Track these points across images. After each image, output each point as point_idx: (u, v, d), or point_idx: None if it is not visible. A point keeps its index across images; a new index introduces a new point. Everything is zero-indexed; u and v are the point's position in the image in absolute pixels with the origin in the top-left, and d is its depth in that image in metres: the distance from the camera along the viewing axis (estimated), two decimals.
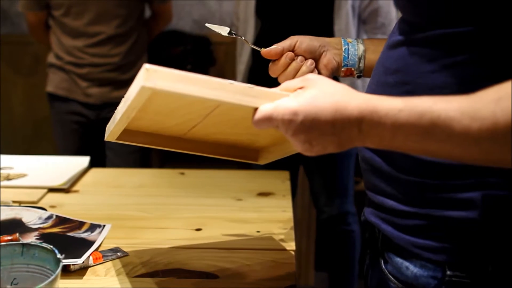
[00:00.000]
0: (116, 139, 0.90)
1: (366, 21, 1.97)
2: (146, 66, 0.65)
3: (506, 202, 0.71)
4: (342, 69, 0.99)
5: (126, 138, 0.90)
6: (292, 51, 0.96)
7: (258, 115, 0.69)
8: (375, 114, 0.63)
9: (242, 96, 0.69)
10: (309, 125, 0.65)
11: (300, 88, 0.69)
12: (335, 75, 1.01)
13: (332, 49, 0.98)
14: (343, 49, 0.98)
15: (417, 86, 0.73)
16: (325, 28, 1.89)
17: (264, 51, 0.96)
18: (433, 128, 0.61)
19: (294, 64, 0.95)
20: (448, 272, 0.74)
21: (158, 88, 0.65)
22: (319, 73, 0.97)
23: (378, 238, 0.83)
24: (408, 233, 0.77)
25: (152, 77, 0.65)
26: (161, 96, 0.69)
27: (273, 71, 0.97)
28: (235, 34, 0.99)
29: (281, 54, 0.95)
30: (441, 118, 0.60)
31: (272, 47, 0.95)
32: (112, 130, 0.85)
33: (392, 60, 0.78)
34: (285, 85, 0.73)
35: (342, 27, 1.87)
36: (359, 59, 0.98)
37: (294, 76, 0.96)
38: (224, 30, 0.98)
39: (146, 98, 0.69)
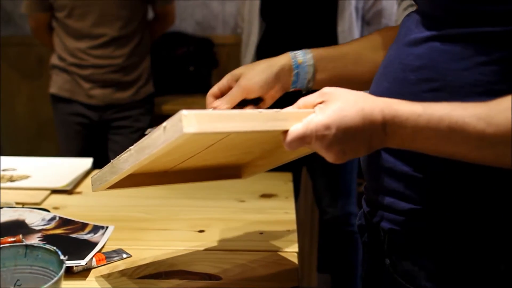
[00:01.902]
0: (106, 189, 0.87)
1: (370, 22, 1.97)
2: (184, 112, 0.64)
3: None
4: (290, 90, 0.98)
5: (114, 186, 0.86)
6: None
7: (290, 136, 0.69)
8: (397, 119, 0.67)
9: (273, 122, 0.70)
10: (342, 136, 0.67)
11: (320, 102, 0.70)
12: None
13: (282, 77, 0.95)
14: (293, 73, 0.96)
15: (445, 84, 0.73)
16: (328, 30, 1.89)
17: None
18: (450, 133, 0.65)
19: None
20: (461, 273, 0.74)
21: (200, 131, 0.65)
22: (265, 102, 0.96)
23: (384, 241, 0.82)
24: (419, 235, 0.77)
25: (192, 122, 0.64)
26: (195, 138, 0.68)
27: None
28: None
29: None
30: (458, 124, 0.64)
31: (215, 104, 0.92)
32: (110, 181, 0.82)
33: (413, 57, 0.77)
34: (302, 101, 0.73)
35: (346, 28, 1.87)
36: (308, 81, 0.97)
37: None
38: None
39: (179, 144, 0.68)
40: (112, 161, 0.80)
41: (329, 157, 0.70)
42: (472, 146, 0.65)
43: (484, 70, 0.70)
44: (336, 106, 0.68)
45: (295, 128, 0.69)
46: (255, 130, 0.69)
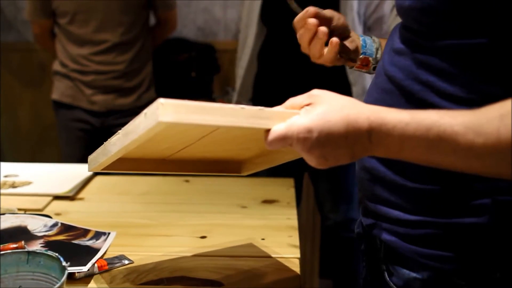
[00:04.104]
0: (101, 169, 0.89)
1: (371, 28, 1.97)
2: (161, 101, 0.64)
3: None
4: (360, 56, 1.00)
5: (110, 167, 0.88)
6: (330, 23, 0.96)
7: (272, 136, 0.69)
8: (384, 127, 0.65)
9: (255, 119, 0.69)
10: (323, 141, 0.66)
11: (307, 104, 0.70)
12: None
13: (354, 34, 1.01)
14: (360, 39, 1.00)
15: (425, 96, 0.73)
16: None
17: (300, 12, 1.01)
18: (438, 142, 0.63)
19: (318, 41, 0.96)
20: (457, 281, 0.74)
21: (175, 121, 0.65)
22: (346, 47, 0.99)
23: (380, 249, 0.82)
24: (415, 243, 0.76)
25: (168, 111, 0.64)
26: (173, 128, 0.68)
27: (301, 37, 1.02)
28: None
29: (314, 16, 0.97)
30: (446, 133, 0.62)
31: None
32: (102, 162, 0.84)
33: (396, 68, 0.78)
34: (290, 102, 0.73)
35: None
36: (377, 49, 0.99)
37: (320, 49, 0.96)
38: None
39: (158, 131, 0.68)
40: (104, 143, 0.81)
41: (310, 160, 0.69)
42: (460, 156, 0.63)
43: (461, 83, 0.70)
44: (321, 110, 0.67)
45: (278, 128, 0.69)
46: (235, 125, 0.69)
